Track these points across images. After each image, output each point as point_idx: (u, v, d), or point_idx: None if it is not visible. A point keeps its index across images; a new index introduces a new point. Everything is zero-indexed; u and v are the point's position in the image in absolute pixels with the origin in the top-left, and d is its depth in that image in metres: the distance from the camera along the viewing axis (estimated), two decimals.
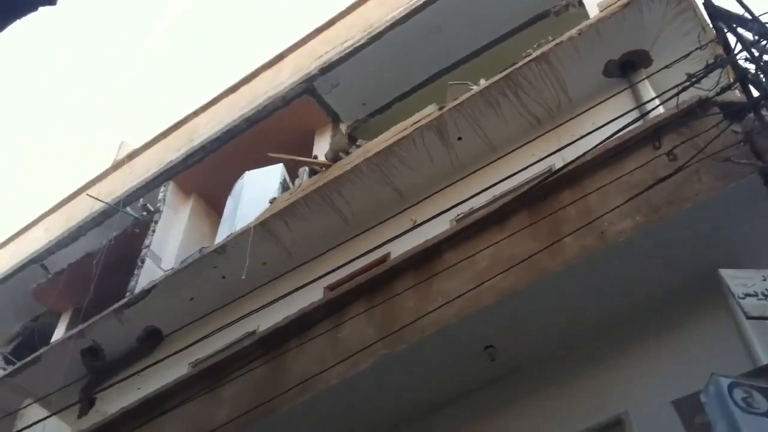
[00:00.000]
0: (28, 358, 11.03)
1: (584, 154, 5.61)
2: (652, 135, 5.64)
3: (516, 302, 5.80)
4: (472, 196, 5.83)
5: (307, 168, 10.32)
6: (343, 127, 11.14)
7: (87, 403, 10.08)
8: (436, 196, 6.42)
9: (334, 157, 9.97)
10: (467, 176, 6.69)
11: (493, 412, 6.08)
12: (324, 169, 9.85)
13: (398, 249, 6.94)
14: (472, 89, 8.74)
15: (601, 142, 5.51)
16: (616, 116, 5.70)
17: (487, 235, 6.21)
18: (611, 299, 5.78)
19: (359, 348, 6.11)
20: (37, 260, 13.00)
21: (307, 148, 10.95)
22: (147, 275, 10.68)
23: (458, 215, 7.49)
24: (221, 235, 10.56)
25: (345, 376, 6.11)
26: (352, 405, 6.30)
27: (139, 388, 8.65)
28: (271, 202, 9.99)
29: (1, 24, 3.54)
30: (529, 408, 5.94)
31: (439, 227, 6.76)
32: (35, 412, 9.34)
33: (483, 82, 8.77)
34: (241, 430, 6.32)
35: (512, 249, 5.91)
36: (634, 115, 5.98)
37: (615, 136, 5.45)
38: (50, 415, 8.32)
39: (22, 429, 8.77)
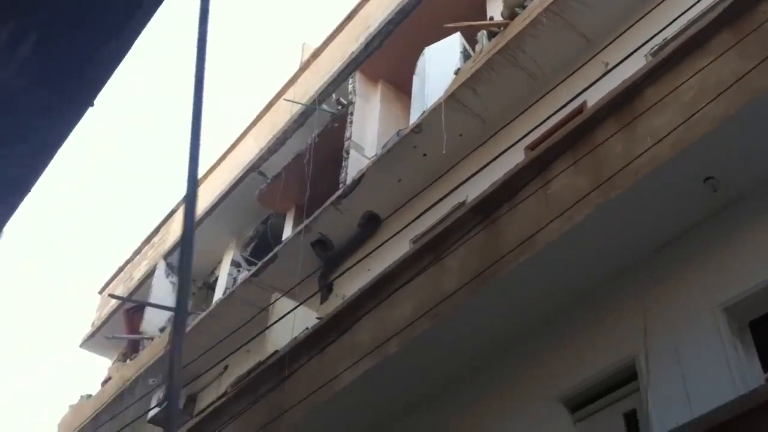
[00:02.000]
0: (266, 258, 12.12)
1: None
2: None
3: (732, 128, 5.52)
4: (666, 26, 5.53)
5: (484, 31, 10.16)
6: None
7: (326, 290, 10.98)
8: (626, 34, 6.14)
9: (510, 13, 9.71)
10: (656, 6, 6.31)
11: (720, 240, 5.95)
12: (502, 29, 9.65)
13: (594, 96, 6.78)
14: None
15: None
16: None
17: (689, 64, 5.88)
18: None
19: (572, 201, 6.15)
20: (254, 168, 14.03)
21: (480, 12, 10.74)
22: (354, 165, 11.23)
23: (652, 49, 7.13)
24: (414, 115, 10.79)
25: (562, 230, 6.20)
26: (573, 258, 6.40)
27: (368, 270, 9.26)
28: (456, 73, 10.00)
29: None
30: (757, 234, 5.75)
31: (634, 65, 6.50)
32: (284, 304, 10.35)
33: None
34: (470, 296, 6.65)
35: (719, 73, 5.58)
36: None
37: None
38: (296, 306, 9.22)
39: (275, 321, 9.82)
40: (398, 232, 7.83)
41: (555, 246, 6.26)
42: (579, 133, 6.58)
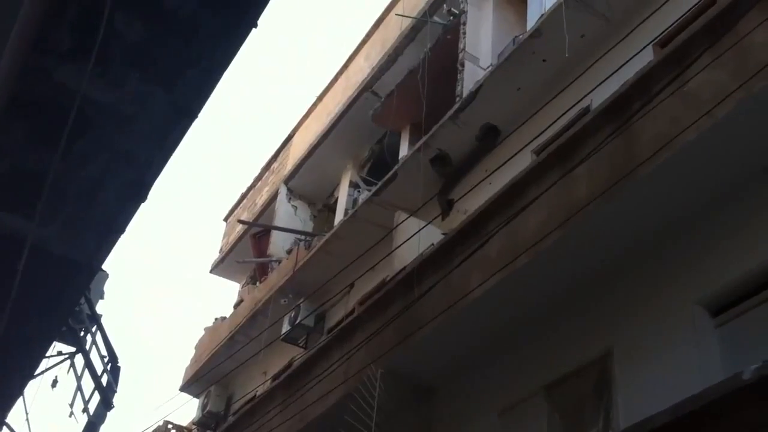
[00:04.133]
0: (386, 177, 12.15)
1: None
2: None
3: None
4: None
5: None
6: None
7: (447, 206, 10.93)
8: None
9: None
10: None
11: None
12: None
13: None
14: None
15: None
16: None
17: None
18: None
19: (712, 97, 5.77)
20: (366, 88, 13.95)
21: None
22: (470, 77, 10.96)
23: None
24: (531, 20, 10.37)
25: (702, 129, 5.84)
26: (716, 156, 6.04)
27: (490, 183, 9.13)
28: None
29: None
30: None
31: None
32: (407, 223, 10.38)
33: None
34: (603, 203, 6.43)
35: None
36: None
37: None
38: (423, 226, 9.22)
39: (402, 242, 9.87)
40: (521, 149, 7.60)
41: (695, 145, 5.91)
42: (717, 25, 6.11)
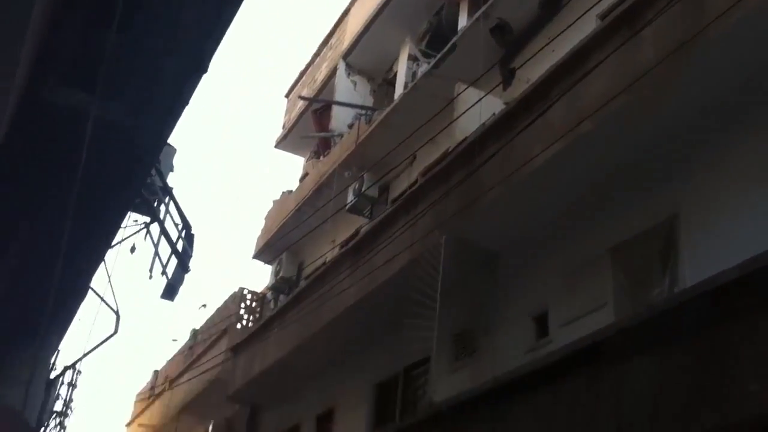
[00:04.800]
0: (445, 49, 12.08)
1: None
2: None
3: None
4: None
5: None
6: None
7: (508, 75, 10.87)
8: None
9: None
10: None
11: None
12: None
13: None
14: None
15: None
16: None
17: None
18: None
19: None
20: None
21: None
22: None
23: None
24: None
25: None
26: None
27: (553, 50, 9.05)
28: None
29: None
30: None
31: None
32: (467, 94, 10.42)
33: None
34: (671, 67, 6.39)
35: None
36: None
37: None
38: (484, 95, 9.26)
39: (462, 113, 9.96)
40: (583, 14, 7.50)
41: None
42: None
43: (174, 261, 9.61)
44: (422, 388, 9.47)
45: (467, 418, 7.24)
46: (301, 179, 17.36)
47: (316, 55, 18.32)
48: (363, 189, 12.98)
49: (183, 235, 9.82)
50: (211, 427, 16.90)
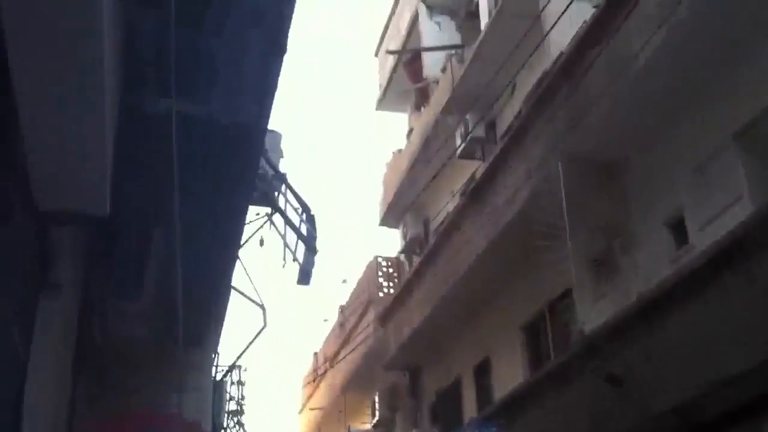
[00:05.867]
0: None
1: None
2: None
3: None
4: None
5: None
6: None
7: None
8: None
9: None
10: None
11: None
12: None
13: None
14: None
15: None
16: None
17: None
18: None
19: None
20: None
21: None
22: None
23: None
24: None
25: None
26: None
27: None
28: None
29: None
30: None
31: None
32: (554, 6, 9.80)
33: None
34: None
35: None
36: None
37: None
38: (571, 2, 8.65)
39: (552, 25, 9.36)
40: None
41: None
42: None
43: (302, 246, 9.67)
44: (570, 320, 9.11)
45: (620, 342, 6.90)
46: (408, 135, 17.11)
47: (395, 4, 17.86)
48: (469, 131, 12.57)
49: (304, 218, 9.85)
50: (377, 397, 17.16)
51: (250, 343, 12.13)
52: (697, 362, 6.01)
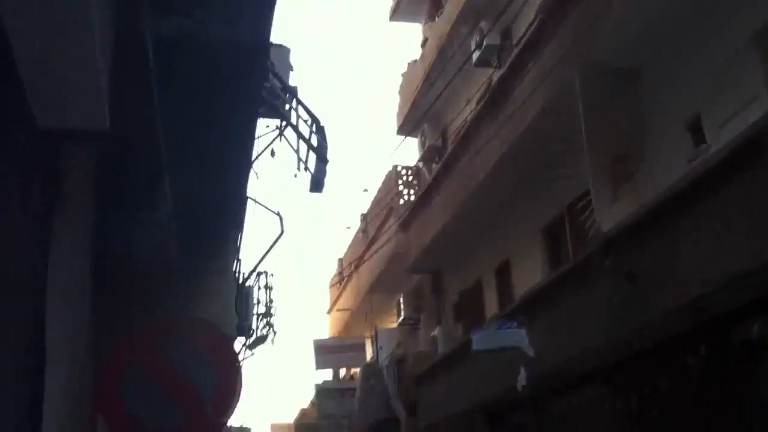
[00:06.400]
0: None
1: None
2: None
3: None
4: None
5: None
6: None
7: None
8: None
9: None
10: None
11: None
12: None
13: None
14: None
15: None
16: None
17: None
18: None
19: None
20: None
21: None
22: None
23: None
24: None
25: None
26: None
27: None
28: None
29: None
30: None
31: None
32: None
33: None
34: None
35: None
36: None
37: None
38: None
39: None
40: None
41: None
42: None
43: (313, 156, 9.93)
44: (588, 222, 9.42)
45: (638, 241, 7.18)
46: (422, 45, 17.07)
47: None
48: (484, 39, 12.60)
49: (314, 129, 10.12)
50: (401, 299, 17.75)
51: (270, 248, 12.58)
52: (711, 259, 6.25)
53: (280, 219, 12.22)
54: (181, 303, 6.52)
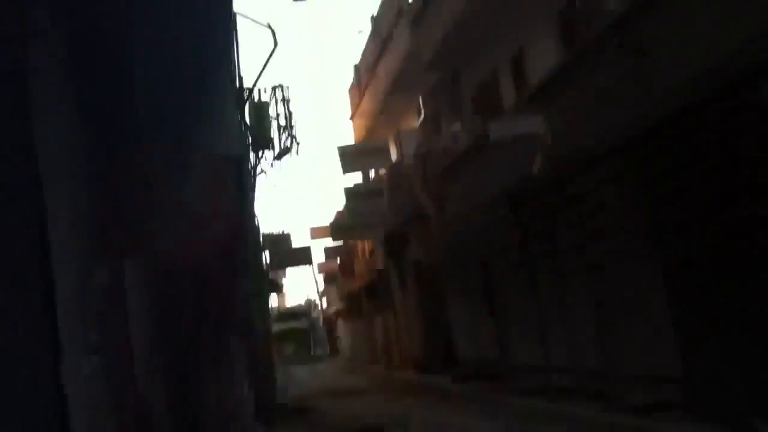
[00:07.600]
0: None
1: None
2: None
3: None
4: None
5: None
6: None
7: None
8: None
9: None
10: None
11: None
12: None
13: None
14: None
15: None
16: None
17: None
18: None
19: None
20: None
21: None
22: None
23: None
24: None
25: None
26: None
27: None
28: None
29: None
30: None
31: None
32: None
33: None
34: None
35: None
36: None
37: None
38: None
39: None
40: None
41: None
42: None
43: None
44: (603, 5, 9.22)
45: (647, 13, 7.10)
46: None
47: None
48: None
49: None
50: (420, 99, 17.74)
51: (267, 61, 12.59)
52: (717, 29, 6.19)
53: (272, 32, 12.15)
54: (179, 133, 6.25)
